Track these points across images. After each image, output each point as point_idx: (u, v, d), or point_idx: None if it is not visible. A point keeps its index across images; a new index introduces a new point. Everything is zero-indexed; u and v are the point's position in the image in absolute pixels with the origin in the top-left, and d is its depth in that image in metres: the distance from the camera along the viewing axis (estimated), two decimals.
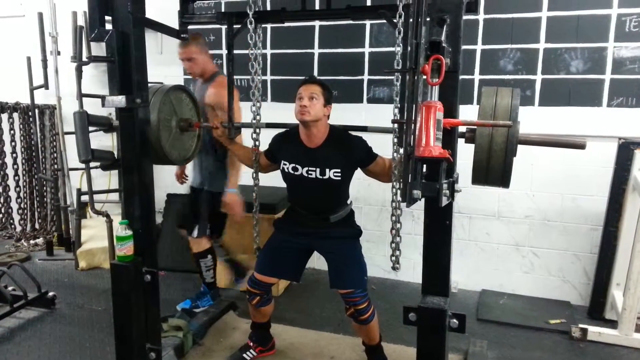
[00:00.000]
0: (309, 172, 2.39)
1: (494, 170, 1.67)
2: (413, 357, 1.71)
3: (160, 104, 2.35)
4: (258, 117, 2.52)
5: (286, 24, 3.82)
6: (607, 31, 3.20)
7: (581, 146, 1.75)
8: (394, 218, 2.15)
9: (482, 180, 1.74)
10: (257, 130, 2.53)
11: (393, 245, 2.18)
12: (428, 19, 1.48)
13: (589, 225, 3.41)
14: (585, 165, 3.33)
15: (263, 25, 2.64)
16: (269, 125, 2.58)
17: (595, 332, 2.95)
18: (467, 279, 3.71)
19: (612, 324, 3.10)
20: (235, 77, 2.67)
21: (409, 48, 1.42)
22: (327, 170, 2.36)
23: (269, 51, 3.98)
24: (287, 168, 2.44)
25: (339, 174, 2.36)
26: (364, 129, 2.49)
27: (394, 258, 2.20)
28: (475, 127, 1.66)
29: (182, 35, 2.71)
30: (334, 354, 2.78)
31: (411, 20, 1.46)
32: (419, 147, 1.36)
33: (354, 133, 2.46)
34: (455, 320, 1.64)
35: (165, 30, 2.54)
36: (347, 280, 2.40)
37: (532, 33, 3.36)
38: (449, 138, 1.56)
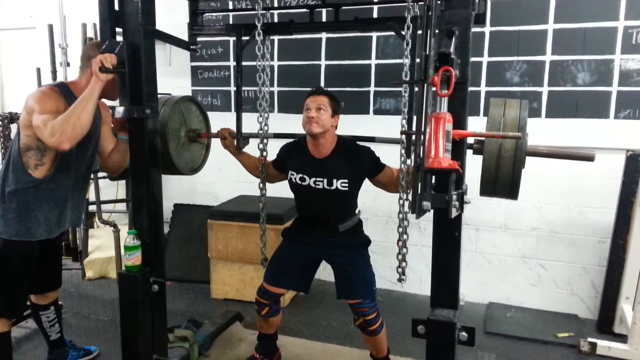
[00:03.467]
0: (317, 183, 2.39)
1: (502, 181, 1.67)
2: None
3: (170, 113, 2.37)
4: (265, 128, 2.53)
5: (293, 36, 3.85)
6: (614, 43, 3.20)
7: (590, 158, 1.74)
8: (400, 229, 2.15)
9: (490, 192, 1.73)
10: (265, 141, 2.55)
11: (400, 256, 2.18)
12: (437, 31, 1.49)
13: (597, 237, 3.39)
14: (592, 177, 3.31)
15: (271, 37, 2.66)
16: (277, 136, 2.60)
17: (605, 346, 2.92)
18: (474, 291, 3.68)
19: (622, 338, 3.06)
20: (243, 88, 2.69)
21: (417, 60, 1.42)
22: (335, 180, 2.36)
23: (276, 63, 4.00)
24: (295, 178, 2.45)
25: (347, 185, 2.36)
26: (371, 139, 2.50)
27: (400, 270, 2.19)
28: (484, 138, 1.66)
29: None
30: None
31: (420, 32, 1.47)
32: (428, 159, 1.36)
33: (361, 144, 2.47)
34: (464, 333, 1.62)
35: (175, 42, 2.57)
36: (356, 291, 2.39)
37: (538, 45, 3.36)
38: (458, 149, 1.56)
